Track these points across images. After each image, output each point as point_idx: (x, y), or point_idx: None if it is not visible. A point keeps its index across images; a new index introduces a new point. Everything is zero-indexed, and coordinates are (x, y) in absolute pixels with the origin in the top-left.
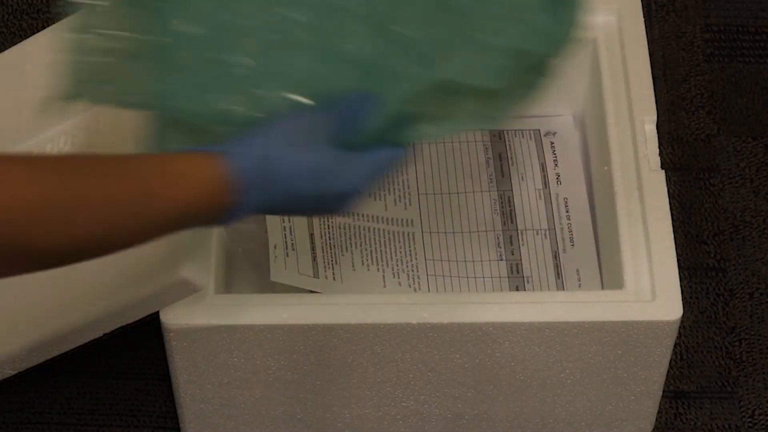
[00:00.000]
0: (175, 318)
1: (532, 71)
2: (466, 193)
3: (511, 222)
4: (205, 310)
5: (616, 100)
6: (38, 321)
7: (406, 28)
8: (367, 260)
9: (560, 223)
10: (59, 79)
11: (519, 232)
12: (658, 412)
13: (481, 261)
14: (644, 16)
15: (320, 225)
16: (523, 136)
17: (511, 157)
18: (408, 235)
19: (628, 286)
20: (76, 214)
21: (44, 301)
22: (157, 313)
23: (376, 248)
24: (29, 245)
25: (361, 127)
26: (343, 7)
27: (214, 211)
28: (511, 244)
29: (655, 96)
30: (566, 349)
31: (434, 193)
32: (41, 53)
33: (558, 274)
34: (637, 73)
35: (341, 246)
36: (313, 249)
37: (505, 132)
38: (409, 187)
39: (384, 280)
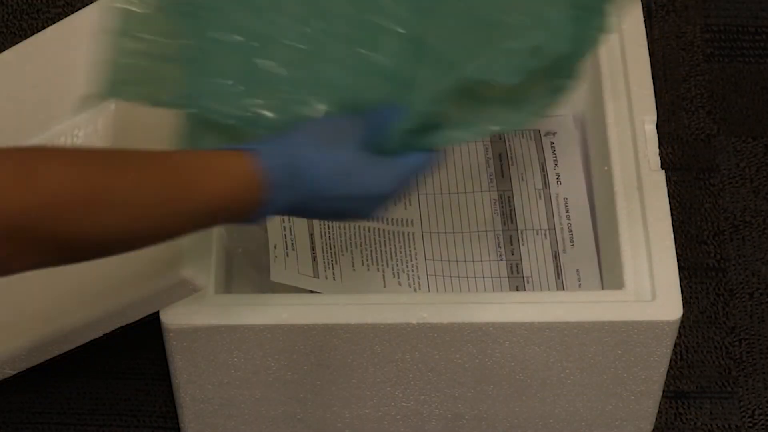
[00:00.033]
0: (175, 318)
1: (555, 74)
2: (466, 193)
3: (511, 222)
4: (205, 310)
5: (616, 100)
6: (38, 321)
7: (438, 42)
8: (367, 260)
9: (560, 223)
10: (97, 78)
11: (519, 232)
12: (658, 412)
13: (481, 261)
14: (644, 16)
15: (320, 225)
16: (523, 136)
17: (511, 157)
18: (408, 235)
19: (628, 286)
20: (124, 206)
21: (44, 301)
22: (157, 313)
23: (376, 248)
24: (77, 234)
25: (389, 133)
26: (376, 21)
27: (246, 207)
28: (511, 244)
29: (655, 96)
30: (566, 349)
31: (434, 193)
32: (41, 53)
33: (558, 274)
34: (637, 73)
35: (341, 246)
36: (313, 249)
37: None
38: None
39: (384, 280)
